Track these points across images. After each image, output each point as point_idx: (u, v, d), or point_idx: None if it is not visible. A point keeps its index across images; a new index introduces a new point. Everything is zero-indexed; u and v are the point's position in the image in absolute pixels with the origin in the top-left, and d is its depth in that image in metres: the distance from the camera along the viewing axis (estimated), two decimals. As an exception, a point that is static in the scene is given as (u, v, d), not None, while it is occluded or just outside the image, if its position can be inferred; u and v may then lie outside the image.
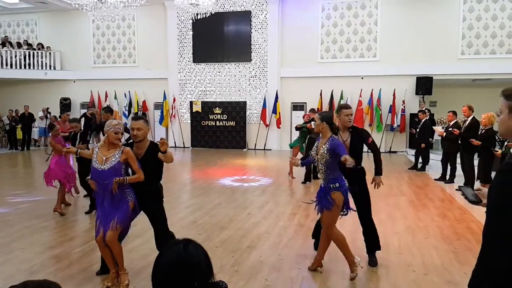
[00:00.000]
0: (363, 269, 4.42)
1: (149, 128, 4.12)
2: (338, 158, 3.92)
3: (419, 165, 11.33)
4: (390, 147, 15.43)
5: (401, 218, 6.48)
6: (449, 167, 9.55)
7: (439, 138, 10.67)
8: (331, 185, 4.07)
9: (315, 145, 4.30)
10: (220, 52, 16.52)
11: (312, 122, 9.97)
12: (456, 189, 8.46)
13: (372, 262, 4.53)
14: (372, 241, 4.60)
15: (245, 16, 16.15)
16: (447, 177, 9.56)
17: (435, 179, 9.85)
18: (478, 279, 1.65)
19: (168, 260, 1.53)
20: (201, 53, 16.65)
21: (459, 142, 8.87)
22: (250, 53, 16.21)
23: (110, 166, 3.89)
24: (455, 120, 9.35)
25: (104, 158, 3.93)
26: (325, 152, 4.03)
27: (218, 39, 16.43)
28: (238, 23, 16.27)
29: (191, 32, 16.69)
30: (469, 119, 8.64)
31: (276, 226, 5.96)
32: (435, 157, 11.89)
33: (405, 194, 8.41)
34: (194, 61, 16.79)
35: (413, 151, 12.63)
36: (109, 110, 7.83)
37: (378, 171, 4.56)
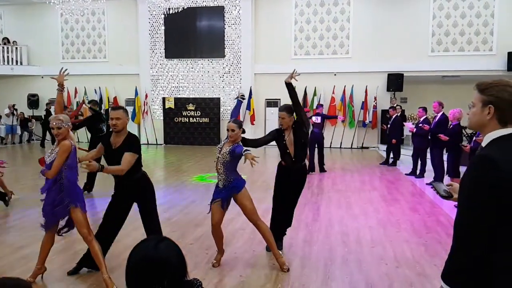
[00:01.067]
0: (335, 263, 4.48)
1: (128, 118, 4.08)
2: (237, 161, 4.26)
3: (391, 160, 11.55)
4: (362, 143, 15.69)
5: (373, 212, 6.59)
6: (419, 162, 9.77)
7: (410, 133, 10.91)
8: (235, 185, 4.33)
9: (219, 146, 4.41)
10: (193, 48, 16.35)
11: (313, 117, 10.16)
12: (427, 184, 8.68)
13: (280, 246, 4.79)
14: (283, 229, 4.95)
15: (218, 11, 16.02)
16: (418, 172, 9.79)
17: (406, 174, 10.07)
18: (452, 272, 1.68)
19: (137, 257, 1.51)
20: (174, 48, 16.42)
21: (429, 137, 9.08)
22: (224, 49, 16.10)
23: (50, 160, 3.82)
24: (425, 116, 9.56)
25: (50, 151, 3.90)
26: (227, 152, 4.20)
27: (191, 35, 16.24)
28: (211, 18, 16.13)
29: (163, 27, 16.42)
30: (439, 115, 8.84)
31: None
32: (406, 152, 12.14)
33: (377, 188, 8.55)
34: (166, 57, 16.55)
35: (384, 147, 12.87)
36: (95, 103, 8.22)
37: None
